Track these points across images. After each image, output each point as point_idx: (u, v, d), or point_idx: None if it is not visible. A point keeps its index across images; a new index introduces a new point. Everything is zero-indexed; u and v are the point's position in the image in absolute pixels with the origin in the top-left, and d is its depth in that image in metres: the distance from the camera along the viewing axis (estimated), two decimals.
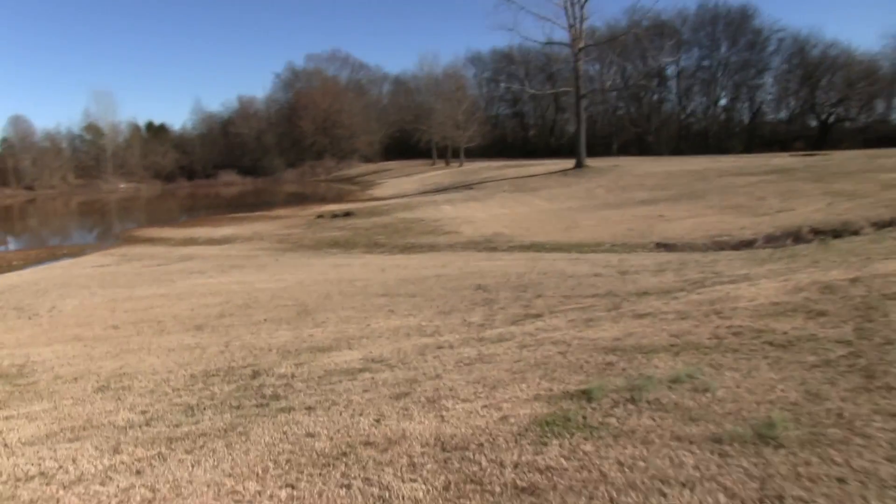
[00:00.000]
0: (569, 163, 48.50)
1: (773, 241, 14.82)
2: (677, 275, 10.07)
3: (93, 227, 47.38)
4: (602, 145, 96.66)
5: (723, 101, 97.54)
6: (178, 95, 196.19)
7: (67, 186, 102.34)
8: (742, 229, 17.20)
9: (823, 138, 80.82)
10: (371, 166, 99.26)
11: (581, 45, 45.56)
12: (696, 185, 30.40)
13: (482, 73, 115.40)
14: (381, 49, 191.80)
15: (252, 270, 16.30)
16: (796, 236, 14.80)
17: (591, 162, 48.87)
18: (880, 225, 14.90)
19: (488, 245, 19.13)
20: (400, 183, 63.86)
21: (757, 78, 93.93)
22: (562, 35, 46.09)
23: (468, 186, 46.08)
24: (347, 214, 33.69)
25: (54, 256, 26.06)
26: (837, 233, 14.90)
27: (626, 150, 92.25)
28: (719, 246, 15.22)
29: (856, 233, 14.62)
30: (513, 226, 23.62)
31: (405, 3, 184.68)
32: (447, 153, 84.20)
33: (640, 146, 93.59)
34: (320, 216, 34.08)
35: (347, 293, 11.51)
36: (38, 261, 24.73)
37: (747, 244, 14.89)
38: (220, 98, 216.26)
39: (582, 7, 44.81)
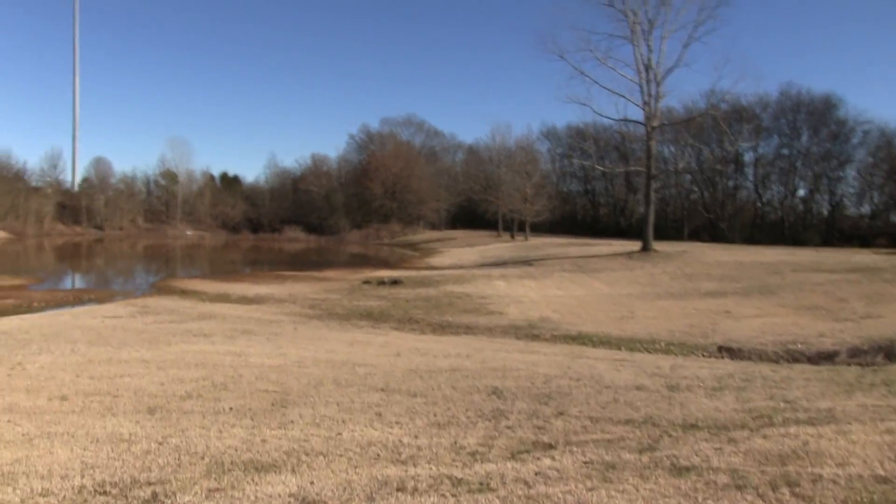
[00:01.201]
0: (635, 245, 46.37)
1: (858, 355, 12.59)
2: (738, 398, 8.07)
3: (138, 273, 46.95)
4: (673, 229, 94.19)
5: (801, 192, 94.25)
6: (254, 150, 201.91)
7: (136, 229, 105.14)
8: (820, 337, 14.97)
9: None
10: (436, 234, 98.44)
11: (655, 123, 43.85)
12: (769, 279, 28.01)
13: (555, 147, 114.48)
14: (457, 117, 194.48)
15: (261, 339, 14.74)
16: (889, 352, 12.53)
17: (658, 246, 46.61)
18: None
19: (530, 332, 17.23)
20: (460, 253, 62.42)
21: (839, 170, 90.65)
22: (636, 112, 44.49)
23: (528, 262, 44.29)
24: (395, 283, 32.16)
25: (79, 301, 25.08)
26: None
27: (697, 235, 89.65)
28: (793, 356, 13.05)
29: None
30: (563, 310, 21.69)
31: (483, 72, 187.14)
32: (513, 226, 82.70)
33: (712, 233, 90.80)
34: (367, 282, 32.65)
35: (343, 382, 9.80)
36: (61, 304, 23.73)
37: (827, 357, 12.69)
38: (294, 155, 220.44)
39: (658, 85, 43.26)
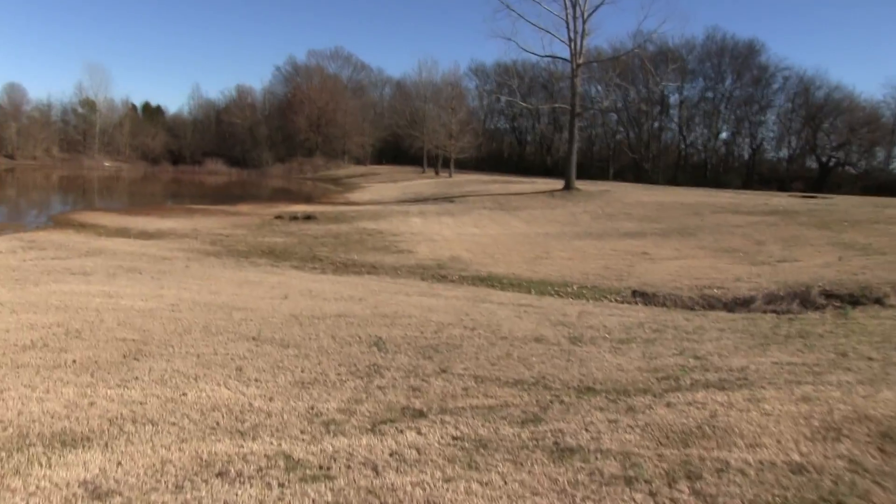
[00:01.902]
0: (559, 183, 45.66)
1: (774, 301, 11.96)
2: (645, 353, 7.20)
3: (41, 205, 44.23)
4: (599, 168, 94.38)
5: (724, 135, 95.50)
6: (178, 79, 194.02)
7: (51, 159, 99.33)
8: (737, 281, 14.35)
9: (823, 181, 78.87)
10: (360, 168, 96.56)
11: (580, 60, 42.81)
12: (689, 220, 27.62)
13: (483, 84, 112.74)
14: (385, 51, 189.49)
15: (144, 278, 13.37)
16: (804, 299, 11.94)
17: (580, 185, 46.09)
18: None
19: (438, 272, 16.22)
20: (382, 188, 61.02)
21: (759, 114, 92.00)
22: (562, 49, 43.33)
23: (448, 199, 43.25)
24: (308, 218, 30.76)
25: None
26: (855, 299, 12.06)
27: (622, 175, 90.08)
28: (708, 302, 12.36)
29: (879, 301, 11.77)
30: (476, 249, 20.77)
31: (414, 6, 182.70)
32: (437, 162, 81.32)
33: (636, 173, 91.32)
34: (279, 217, 31.17)
35: (214, 329, 8.62)
36: None
37: (743, 303, 12.03)
38: (220, 86, 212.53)
39: (585, 22, 42.11)
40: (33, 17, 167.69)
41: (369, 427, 5.00)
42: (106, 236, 22.92)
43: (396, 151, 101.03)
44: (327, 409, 5.51)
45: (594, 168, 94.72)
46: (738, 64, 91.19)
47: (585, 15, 41.91)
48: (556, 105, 61.38)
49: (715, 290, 13.28)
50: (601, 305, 11.61)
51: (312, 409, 5.52)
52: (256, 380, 6.44)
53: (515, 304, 11.13)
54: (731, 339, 7.97)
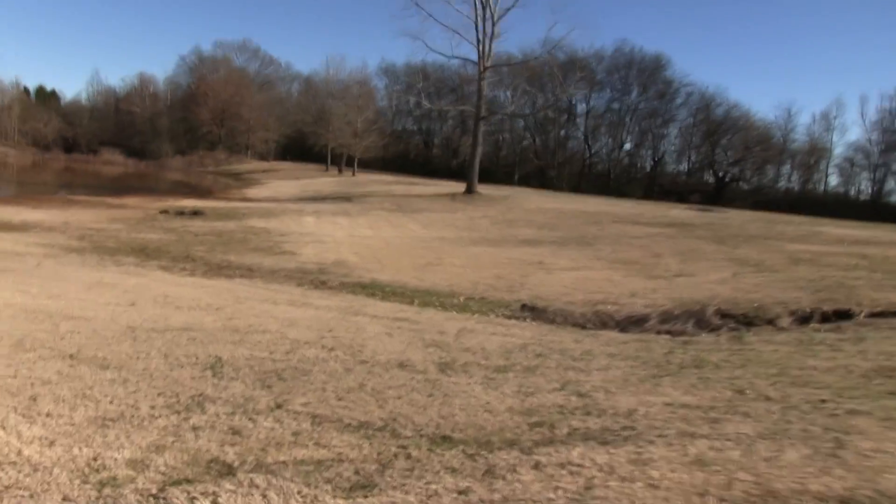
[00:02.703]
0: (461, 187, 44.97)
1: (669, 320, 11.29)
2: (522, 387, 6.23)
3: None
4: (505, 173, 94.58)
5: (627, 146, 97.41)
6: (77, 63, 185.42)
7: None
8: (632, 296, 13.69)
9: (718, 195, 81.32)
10: (262, 164, 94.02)
11: (488, 63, 42.21)
12: (588, 229, 27.22)
13: (393, 84, 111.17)
14: (296, 46, 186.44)
15: None
16: (699, 318, 11.32)
17: (483, 189, 45.58)
18: (800, 316, 11.58)
19: (318, 277, 15.02)
20: (282, 185, 59.13)
21: (662, 127, 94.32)
22: (471, 52, 42.60)
23: (347, 199, 42.01)
24: (195, 213, 29.03)
25: None
26: (749, 319, 11.52)
27: (527, 181, 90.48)
28: (601, 319, 11.59)
29: (771, 322, 11.26)
30: (366, 253, 19.66)
31: (326, 1, 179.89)
32: (342, 161, 79.70)
33: (541, 179, 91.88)
34: (165, 211, 29.34)
35: (30, 343, 7.22)
36: None
37: (638, 322, 11.31)
38: (121, 73, 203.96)
39: (494, 24, 41.56)
40: None
41: (155, 491, 3.86)
42: None
43: (301, 149, 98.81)
44: (116, 460, 4.32)
45: (500, 173, 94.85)
46: (644, 77, 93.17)
47: (495, 17, 41.38)
48: (461, 108, 60.79)
49: (609, 307, 12.55)
50: (485, 321, 10.67)
51: (96, 459, 4.32)
52: (48, 414, 5.18)
53: (391, 317, 10.08)
54: (620, 369, 7.11)
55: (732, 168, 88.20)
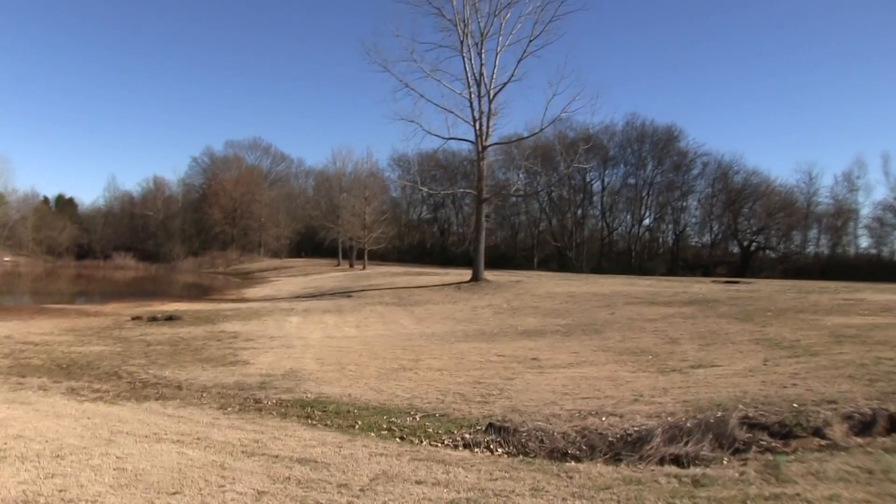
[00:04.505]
0: (469, 275, 42.32)
1: (678, 437, 8.39)
2: None
3: None
4: (523, 258, 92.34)
5: (647, 221, 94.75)
6: (95, 171, 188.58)
7: None
8: (636, 401, 10.82)
9: (745, 265, 78.21)
10: (275, 262, 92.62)
11: (486, 142, 40.16)
12: (598, 313, 24.40)
13: (406, 174, 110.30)
14: (307, 143, 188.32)
15: None
16: (719, 433, 8.46)
17: (493, 275, 43.07)
18: (858, 422, 8.71)
19: (252, 395, 12.30)
20: (286, 283, 57.07)
21: (681, 200, 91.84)
22: (470, 132, 40.62)
23: (347, 294, 39.56)
24: (170, 318, 26.65)
25: None
26: (788, 429, 8.65)
27: (546, 264, 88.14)
28: (588, 441, 8.71)
29: (818, 432, 8.42)
30: (331, 358, 16.96)
31: (336, 98, 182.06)
32: (352, 254, 77.76)
33: (560, 262, 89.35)
34: (137, 318, 27.04)
35: None
36: None
37: (635, 443, 8.45)
38: (137, 177, 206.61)
39: (490, 101, 39.67)
40: None
41: None
42: None
43: (314, 244, 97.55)
44: None
45: (518, 258, 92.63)
46: (658, 150, 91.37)
47: (491, 95, 39.49)
48: (462, 191, 58.58)
49: (602, 420, 9.69)
50: (425, 456, 7.88)
51: None
52: None
53: (296, 457, 7.38)
54: None
55: (757, 236, 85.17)
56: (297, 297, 41.32)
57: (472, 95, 39.55)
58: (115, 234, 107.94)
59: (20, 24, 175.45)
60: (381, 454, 7.89)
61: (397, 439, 9.10)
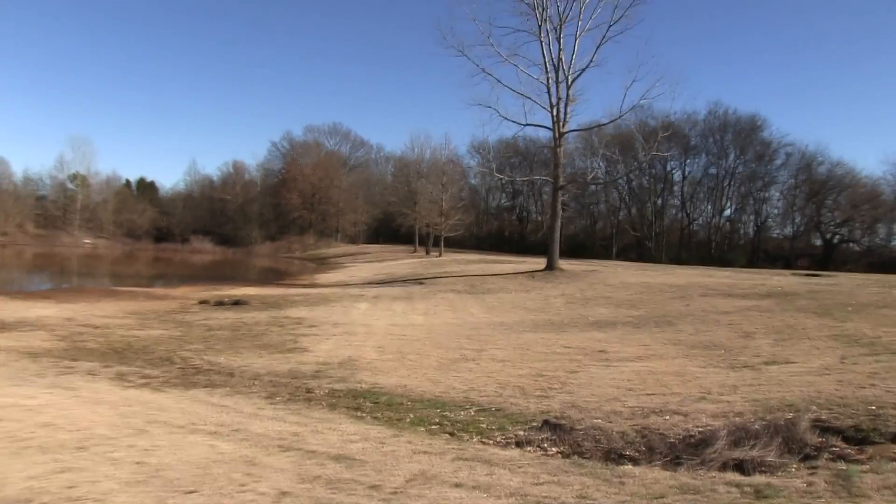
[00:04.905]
0: (544, 263, 41.64)
1: (744, 440, 7.86)
2: None
3: None
4: (601, 247, 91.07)
5: (728, 212, 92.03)
6: (176, 155, 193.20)
7: (24, 235, 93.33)
8: (702, 399, 10.30)
9: (828, 258, 75.32)
10: (351, 248, 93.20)
11: (563, 129, 39.41)
12: (672, 305, 23.64)
13: (486, 161, 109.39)
14: (388, 128, 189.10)
15: None
16: (788, 436, 7.91)
17: (569, 264, 42.40)
18: None
19: (303, 385, 12.14)
20: (360, 269, 57.34)
21: (763, 190, 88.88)
22: (547, 118, 39.89)
23: (419, 281, 39.45)
24: (237, 303, 26.90)
25: None
26: (863, 435, 8.07)
27: (625, 254, 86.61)
28: (647, 442, 8.26)
29: None
30: (392, 347, 16.78)
31: (419, 83, 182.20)
32: (428, 241, 77.71)
33: (639, 252, 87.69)
34: (204, 301, 27.38)
35: None
36: None
37: (697, 445, 7.96)
38: (218, 161, 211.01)
39: (569, 87, 38.88)
40: (24, 94, 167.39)
41: None
42: None
43: (392, 230, 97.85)
44: None
45: (597, 247, 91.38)
46: (741, 139, 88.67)
47: (569, 81, 38.71)
48: (539, 178, 57.69)
49: (665, 418, 9.23)
50: (472, 456, 7.55)
51: None
52: None
53: (332, 455, 7.14)
54: None
55: (840, 229, 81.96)
56: (368, 283, 41.42)
57: (550, 81, 38.81)
58: (193, 217, 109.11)
59: (102, 12, 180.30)
60: (424, 452, 7.62)
61: (446, 435, 8.81)
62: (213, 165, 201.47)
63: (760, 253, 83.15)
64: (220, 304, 26.60)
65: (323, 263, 72.48)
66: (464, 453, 7.62)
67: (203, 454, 7.05)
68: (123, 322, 20.97)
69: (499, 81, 39.21)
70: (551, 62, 38.92)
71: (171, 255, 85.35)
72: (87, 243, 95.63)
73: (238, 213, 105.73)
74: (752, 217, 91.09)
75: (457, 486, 6.22)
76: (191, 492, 5.76)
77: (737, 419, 8.92)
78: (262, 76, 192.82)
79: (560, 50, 38.70)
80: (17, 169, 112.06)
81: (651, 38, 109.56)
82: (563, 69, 38.80)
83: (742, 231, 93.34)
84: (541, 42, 38.71)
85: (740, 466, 7.19)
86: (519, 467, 7.01)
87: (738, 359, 13.82)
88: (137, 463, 6.57)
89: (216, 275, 54.35)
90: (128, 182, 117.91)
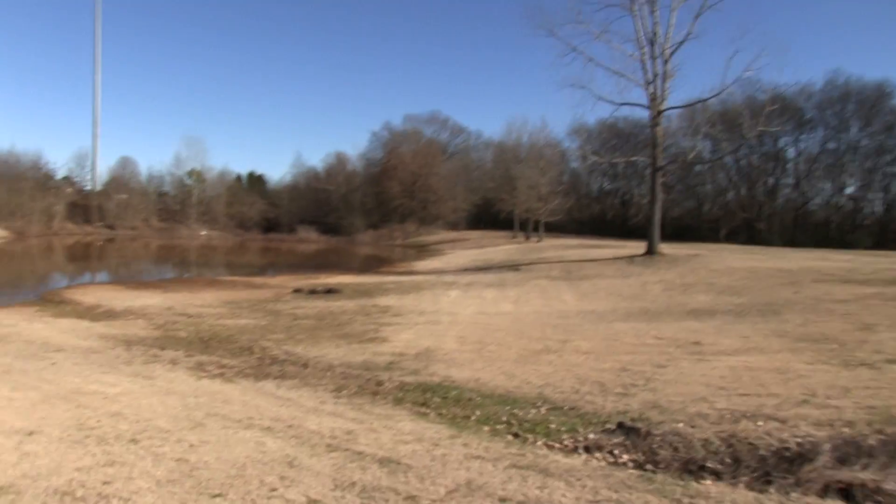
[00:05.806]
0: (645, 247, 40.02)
1: (853, 458, 6.72)
2: None
3: (74, 274, 42.13)
4: (709, 230, 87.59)
5: (850, 189, 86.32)
6: (282, 148, 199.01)
7: (149, 229, 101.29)
8: (804, 402, 9.09)
9: None
10: (452, 234, 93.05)
11: (661, 107, 37.62)
12: (780, 292, 21.95)
13: (586, 145, 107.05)
14: (486, 115, 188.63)
15: None
16: None
17: (671, 248, 40.61)
18: None
19: (378, 376, 11.60)
20: (458, 255, 56.87)
21: (893, 165, 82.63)
22: (643, 96, 38.18)
23: (515, 267, 38.53)
24: (329, 291, 26.80)
25: None
26: None
27: (734, 237, 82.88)
28: (733, 454, 7.19)
29: None
30: (474, 337, 16.06)
31: (517, 68, 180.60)
32: (528, 226, 76.56)
33: (749, 234, 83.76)
34: (298, 290, 27.40)
35: None
36: None
37: (794, 461, 6.87)
38: (321, 153, 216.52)
39: (666, 62, 37.04)
40: (143, 95, 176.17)
41: None
42: (53, 317, 19.75)
43: (492, 216, 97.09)
44: None
45: (703, 229, 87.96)
46: (865, 110, 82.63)
47: (666, 55, 36.85)
48: (636, 158, 55.45)
49: (757, 425, 8.10)
50: (528, 463, 6.70)
51: None
52: None
53: (379, 457, 6.52)
54: None
55: None
56: (464, 269, 40.79)
57: (645, 57, 37.04)
58: (299, 208, 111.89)
59: (210, 12, 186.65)
60: (479, 457, 6.83)
61: (509, 436, 8.00)
62: (316, 157, 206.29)
63: (890, 233, 77.76)
64: (313, 292, 26.60)
65: (423, 250, 72.52)
66: (521, 460, 6.79)
67: (246, 453, 6.62)
68: (215, 311, 21.14)
69: (591, 60, 37.76)
70: (646, 36, 37.13)
71: (279, 244, 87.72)
72: (203, 235, 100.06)
73: (341, 203, 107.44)
74: (879, 195, 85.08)
75: (502, 500, 5.43)
76: (216, 495, 5.37)
77: (846, 430, 7.70)
78: (362, 67, 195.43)
79: (655, 23, 36.83)
80: (143, 168, 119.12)
81: (755, 3, 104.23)
82: (660, 43, 36.97)
83: (867, 210, 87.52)
84: (634, 16, 37.00)
85: (847, 493, 6.06)
86: (578, 479, 6.12)
87: (853, 355, 12.34)
88: (178, 460, 6.34)
89: (322, 263, 55.42)
90: (238, 176, 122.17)
